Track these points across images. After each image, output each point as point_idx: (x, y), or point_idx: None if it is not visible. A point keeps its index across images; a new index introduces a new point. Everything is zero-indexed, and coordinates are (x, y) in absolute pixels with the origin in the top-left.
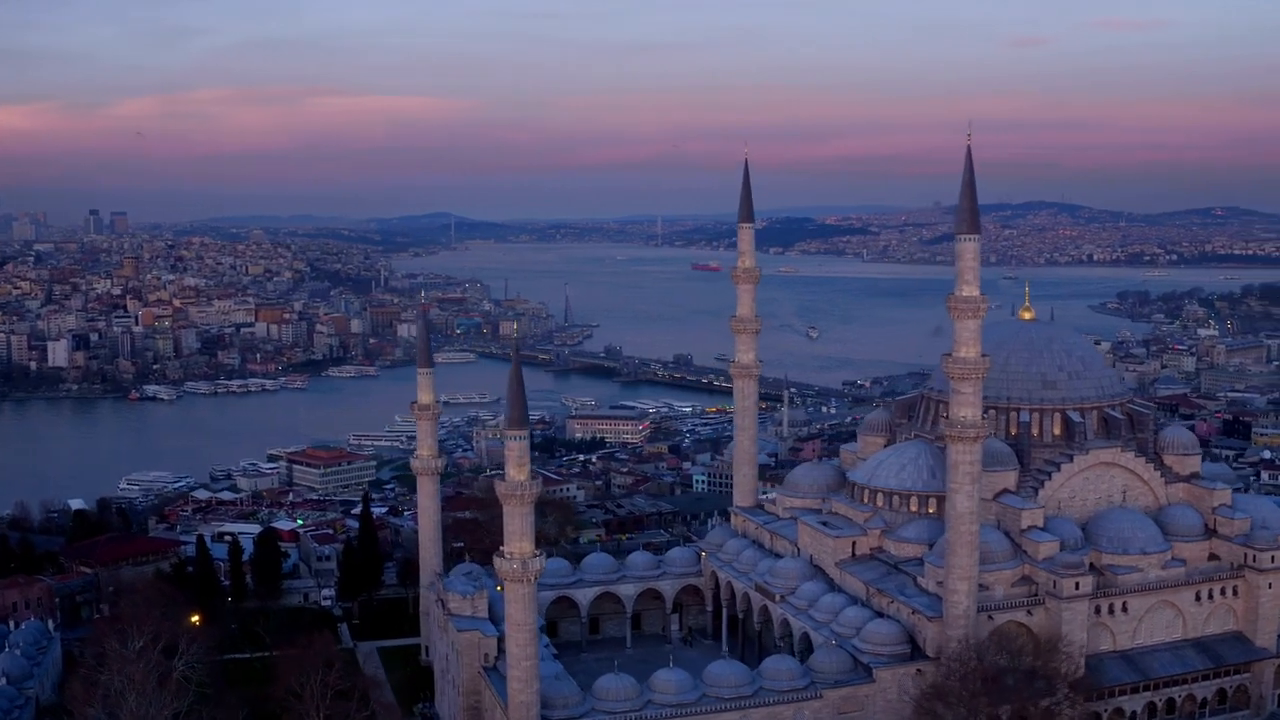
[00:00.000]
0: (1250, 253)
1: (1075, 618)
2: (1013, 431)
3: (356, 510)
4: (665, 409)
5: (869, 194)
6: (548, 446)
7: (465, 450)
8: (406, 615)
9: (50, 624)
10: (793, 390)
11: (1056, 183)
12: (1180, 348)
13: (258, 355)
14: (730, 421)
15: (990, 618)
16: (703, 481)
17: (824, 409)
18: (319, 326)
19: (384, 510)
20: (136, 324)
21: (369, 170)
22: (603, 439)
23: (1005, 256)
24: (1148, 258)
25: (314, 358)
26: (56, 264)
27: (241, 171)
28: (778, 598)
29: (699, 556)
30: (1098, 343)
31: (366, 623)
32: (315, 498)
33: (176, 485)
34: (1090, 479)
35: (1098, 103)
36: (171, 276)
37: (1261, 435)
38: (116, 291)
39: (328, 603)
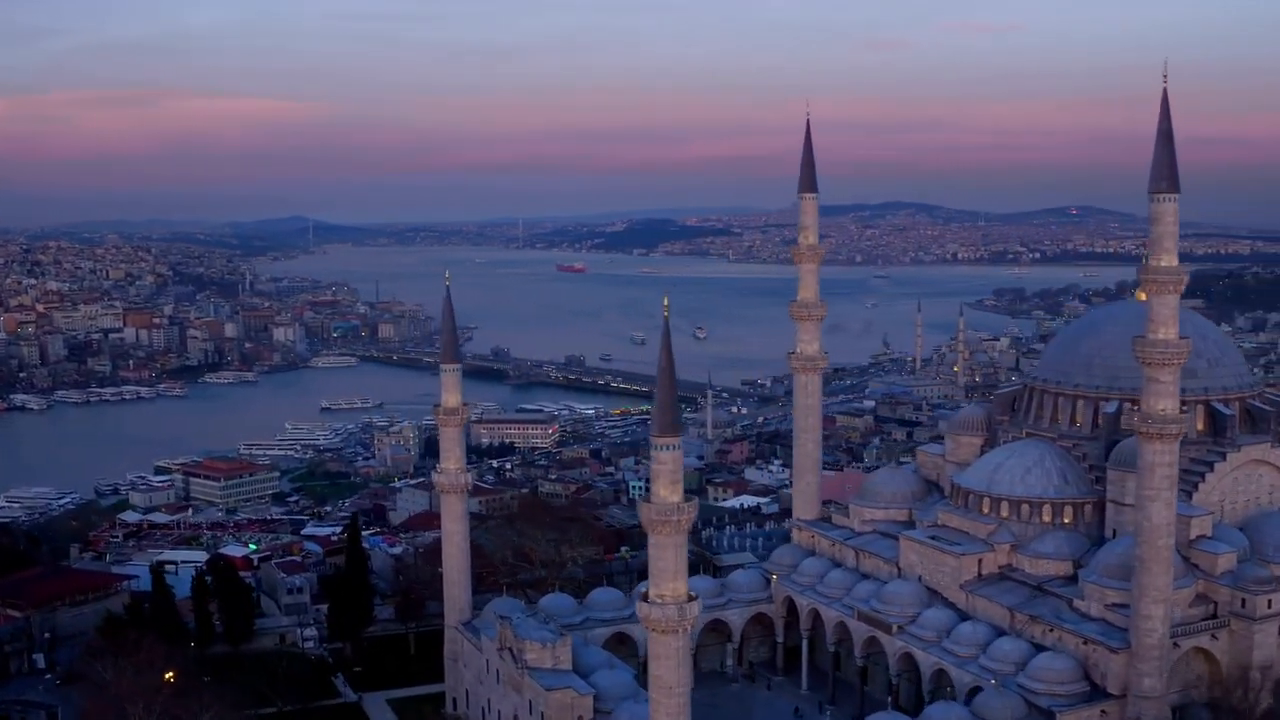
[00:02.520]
0: (1110, 250)
1: (1267, 640)
2: None
3: (306, 530)
4: (567, 411)
5: (730, 195)
6: None
7: (366, 458)
8: (409, 657)
9: None
10: (723, 392)
11: (914, 183)
12: None
13: (130, 362)
14: (640, 424)
15: (1176, 645)
16: (639, 488)
17: (732, 410)
18: (192, 331)
19: (329, 530)
20: None
21: (226, 173)
22: (511, 444)
23: (871, 256)
24: (1011, 256)
25: (189, 364)
26: None
27: (97, 176)
28: (894, 628)
29: (767, 580)
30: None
31: (367, 669)
32: (260, 518)
33: (62, 502)
34: (1239, 479)
35: (954, 105)
36: (33, 281)
37: None
38: None
39: (310, 644)
